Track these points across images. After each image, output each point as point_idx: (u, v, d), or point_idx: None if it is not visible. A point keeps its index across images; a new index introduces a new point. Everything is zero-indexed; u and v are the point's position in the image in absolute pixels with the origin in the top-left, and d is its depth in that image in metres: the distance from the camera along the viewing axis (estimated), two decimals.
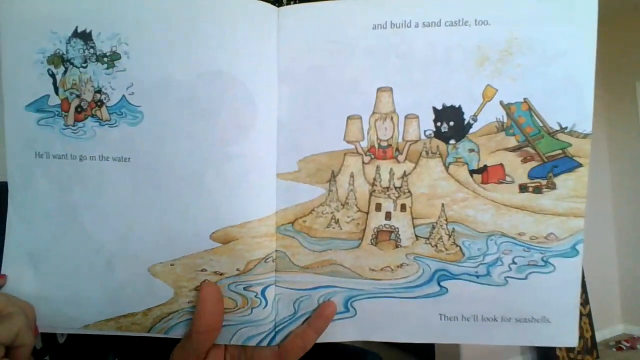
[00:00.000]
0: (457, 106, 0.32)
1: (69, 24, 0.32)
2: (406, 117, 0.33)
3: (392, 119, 0.33)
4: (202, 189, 0.33)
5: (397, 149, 0.33)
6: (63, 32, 0.32)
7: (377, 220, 0.33)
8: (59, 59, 0.32)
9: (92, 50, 0.32)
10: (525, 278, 0.33)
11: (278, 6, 0.33)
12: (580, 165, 0.32)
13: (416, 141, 0.33)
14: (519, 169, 0.32)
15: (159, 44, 0.32)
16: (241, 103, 0.33)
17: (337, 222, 0.34)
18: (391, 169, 0.33)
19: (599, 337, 2.34)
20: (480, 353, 1.75)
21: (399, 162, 0.33)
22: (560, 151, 0.32)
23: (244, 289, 0.34)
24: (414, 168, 0.33)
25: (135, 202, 0.33)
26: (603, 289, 2.43)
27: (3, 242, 0.33)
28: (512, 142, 0.32)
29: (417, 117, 0.33)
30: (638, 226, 2.54)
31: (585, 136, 0.32)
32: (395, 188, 0.33)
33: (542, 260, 0.32)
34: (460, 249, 0.33)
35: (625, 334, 2.56)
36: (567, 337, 0.33)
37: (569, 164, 0.32)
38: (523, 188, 0.32)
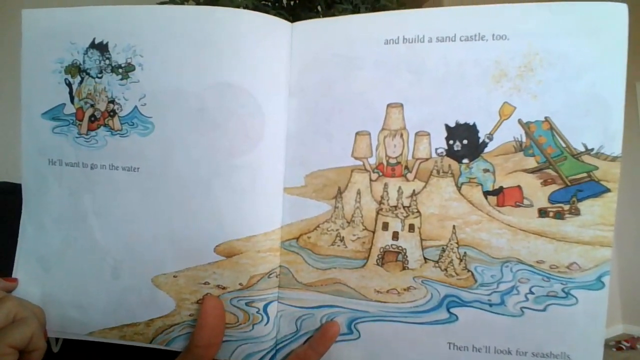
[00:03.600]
0: (471, 124, 0.28)
1: (87, 35, 0.30)
2: (417, 134, 0.28)
3: (401, 135, 0.28)
4: (209, 200, 0.29)
5: (406, 167, 0.28)
6: (81, 43, 0.30)
7: (383, 239, 0.29)
8: (75, 69, 0.30)
9: (107, 62, 0.29)
10: (544, 310, 0.27)
11: (278, 7, 0.29)
12: (608, 190, 0.26)
13: (427, 159, 0.28)
14: (538, 192, 0.27)
15: (172, 56, 0.29)
16: (250, 115, 0.29)
17: (342, 240, 0.29)
18: (400, 187, 0.28)
19: None
20: None
21: (408, 180, 0.28)
22: (585, 174, 0.26)
23: (246, 304, 0.30)
24: (424, 187, 0.28)
25: (142, 212, 0.30)
26: None
27: (14, 244, 0.31)
28: (532, 163, 0.27)
29: (428, 134, 0.28)
30: (638, 226, 2.32)
31: (614, 159, 0.26)
32: (404, 207, 0.28)
33: (563, 291, 0.27)
34: (472, 274, 0.28)
35: (625, 334, 2.33)
36: None
37: (595, 189, 0.26)
38: (543, 213, 0.27)
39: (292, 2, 0.36)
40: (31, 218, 0.31)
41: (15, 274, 0.31)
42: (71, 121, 0.30)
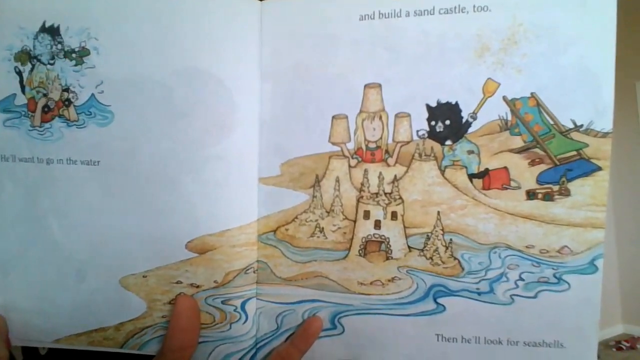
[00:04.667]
0: (453, 103, 0.25)
1: (37, 18, 0.27)
2: (396, 115, 0.26)
3: (381, 118, 0.26)
4: (178, 195, 0.27)
5: (386, 151, 0.26)
6: (30, 27, 0.27)
7: (365, 229, 0.27)
8: (25, 56, 0.27)
9: (60, 46, 0.26)
10: (535, 297, 0.25)
11: None
12: (599, 168, 0.24)
13: (408, 142, 0.26)
14: (526, 173, 0.25)
15: (131, 39, 0.27)
16: (220, 102, 0.27)
17: (321, 230, 0.27)
18: (380, 173, 0.26)
19: (599, 337, 2.13)
20: None
21: (388, 165, 0.26)
22: (574, 152, 0.24)
23: (222, 302, 0.27)
24: (406, 172, 0.26)
25: (106, 209, 0.27)
26: (603, 289, 2.21)
27: None
28: (518, 142, 0.25)
29: (408, 115, 0.26)
30: (638, 226, 2.29)
31: (605, 135, 0.24)
32: (385, 194, 0.26)
33: (555, 276, 0.25)
34: (459, 262, 0.26)
35: (625, 334, 2.31)
36: None
37: (586, 167, 0.24)
38: (531, 194, 0.25)
39: None
40: None
41: None
42: (23, 113, 0.27)
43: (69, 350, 0.29)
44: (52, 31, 0.26)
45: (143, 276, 0.27)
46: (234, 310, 0.27)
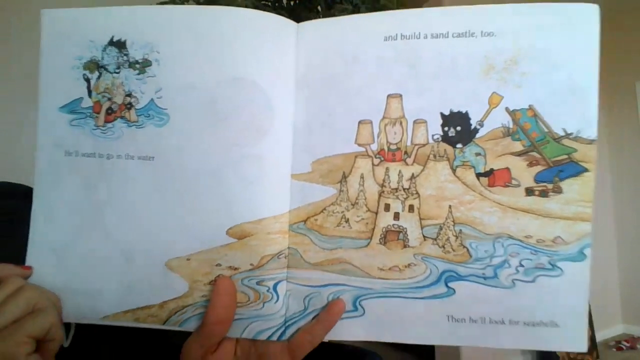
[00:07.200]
0: (463, 112, 0.29)
1: (106, 33, 0.30)
2: (415, 121, 0.30)
3: (401, 123, 0.30)
4: (220, 187, 0.30)
5: (405, 152, 0.30)
6: (100, 41, 0.30)
7: (385, 220, 0.30)
8: (94, 65, 0.30)
9: (125, 58, 0.30)
10: (533, 281, 0.28)
11: (278, 7, 0.31)
12: (586, 170, 0.28)
13: (424, 145, 0.30)
14: (525, 173, 0.29)
15: (187, 52, 0.30)
16: (260, 108, 0.30)
17: (347, 221, 0.30)
18: (400, 171, 0.30)
19: (599, 337, 2.08)
20: (480, 353, 1.50)
21: (407, 164, 0.30)
22: (565, 156, 0.28)
23: (257, 283, 0.30)
24: (422, 170, 0.30)
25: (156, 200, 0.30)
26: (603, 289, 2.16)
27: (27, 238, 0.31)
28: (518, 147, 0.29)
29: (425, 122, 0.30)
30: (638, 226, 2.29)
31: (591, 142, 0.28)
32: (404, 189, 0.30)
33: (550, 263, 0.28)
34: (468, 250, 0.29)
35: (625, 334, 2.30)
36: (576, 342, 0.28)
37: (575, 169, 0.28)
38: (529, 191, 0.29)
39: (292, 2, 0.37)
40: (43, 208, 0.31)
41: (28, 262, 0.31)
42: (88, 114, 0.31)
43: (92, 342, 0.31)
44: (119, 45, 0.30)
45: (187, 259, 0.30)
46: (267, 291, 0.30)
